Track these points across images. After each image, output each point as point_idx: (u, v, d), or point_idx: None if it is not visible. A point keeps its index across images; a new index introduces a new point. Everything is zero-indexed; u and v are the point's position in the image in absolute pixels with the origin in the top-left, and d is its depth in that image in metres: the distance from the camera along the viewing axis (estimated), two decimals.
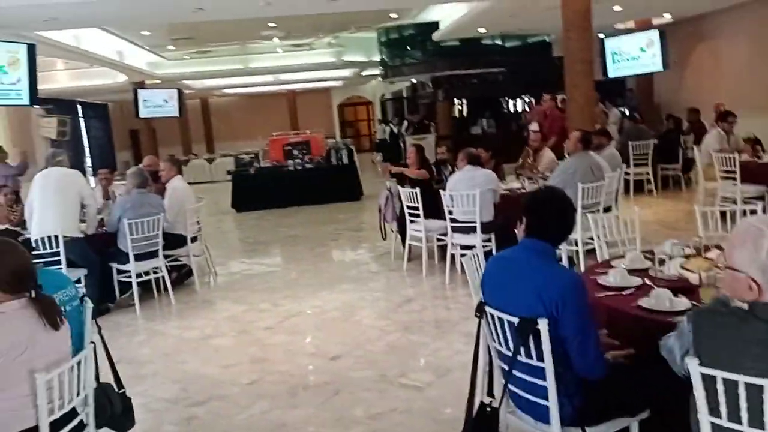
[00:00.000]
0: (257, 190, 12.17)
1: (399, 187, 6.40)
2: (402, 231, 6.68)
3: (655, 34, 11.57)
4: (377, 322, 5.01)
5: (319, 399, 3.68)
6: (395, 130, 19.27)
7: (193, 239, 6.46)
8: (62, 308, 2.40)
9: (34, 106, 9.63)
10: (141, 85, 16.42)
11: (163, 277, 6.00)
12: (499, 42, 16.08)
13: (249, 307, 5.72)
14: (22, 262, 2.28)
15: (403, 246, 6.64)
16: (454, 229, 5.76)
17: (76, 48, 11.03)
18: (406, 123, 18.99)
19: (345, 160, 12.63)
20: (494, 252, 5.56)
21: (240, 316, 5.49)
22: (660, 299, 2.48)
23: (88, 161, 21.13)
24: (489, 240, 5.69)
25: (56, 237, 5.29)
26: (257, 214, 11.52)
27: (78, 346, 2.61)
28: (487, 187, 5.62)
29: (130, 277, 5.69)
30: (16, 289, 2.20)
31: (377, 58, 17.78)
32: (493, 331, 2.35)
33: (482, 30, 13.42)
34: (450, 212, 5.72)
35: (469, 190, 5.53)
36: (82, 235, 5.70)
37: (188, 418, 3.59)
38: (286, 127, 23.88)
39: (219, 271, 7.07)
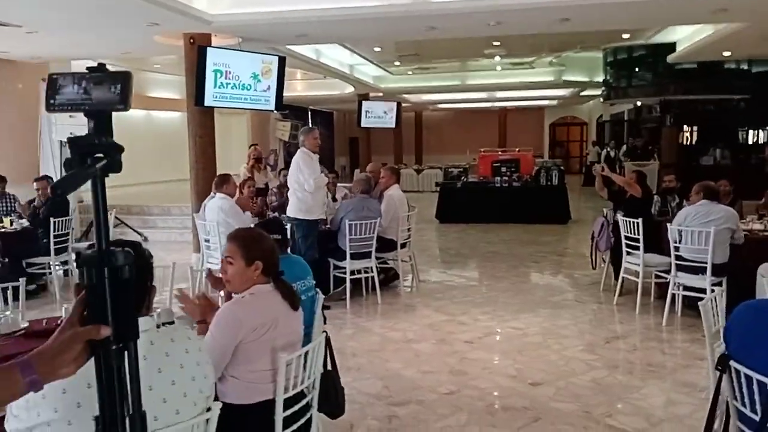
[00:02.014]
0: (462, 203, 12.38)
1: (619, 216, 6.03)
2: (616, 262, 6.28)
3: None
4: (582, 355, 4.76)
5: (518, 423, 3.60)
6: (612, 153, 18.22)
7: (403, 245, 6.75)
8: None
9: (276, 111, 10.83)
10: (365, 97, 17.54)
11: (372, 277, 6.36)
12: (744, 66, 14.42)
13: (449, 318, 5.81)
14: (273, 247, 2.57)
15: (615, 278, 6.25)
16: (679, 268, 5.27)
17: (316, 61, 12.16)
18: (625, 147, 17.88)
19: (555, 181, 12.27)
20: (724, 299, 4.96)
21: (440, 325, 5.59)
22: None
23: None
24: (719, 284, 5.10)
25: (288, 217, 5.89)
26: (459, 226, 11.67)
27: (307, 333, 2.87)
28: (724, 225, 5.06)
29: (344, 273, 6.12)
30: (269, 271, 2.48)
31: (600, 78, 16.98)
32: (737, 389, 2.10)
33: (727, 53, 12.10)
34: (676, 248, 5.25)
35: (703, 227, 5.03)
36: (304, 218, 5.94)
37: (389, 416, 3.74)
38: (493, 144, 23.92)
39: (420, 278, 7.28)
